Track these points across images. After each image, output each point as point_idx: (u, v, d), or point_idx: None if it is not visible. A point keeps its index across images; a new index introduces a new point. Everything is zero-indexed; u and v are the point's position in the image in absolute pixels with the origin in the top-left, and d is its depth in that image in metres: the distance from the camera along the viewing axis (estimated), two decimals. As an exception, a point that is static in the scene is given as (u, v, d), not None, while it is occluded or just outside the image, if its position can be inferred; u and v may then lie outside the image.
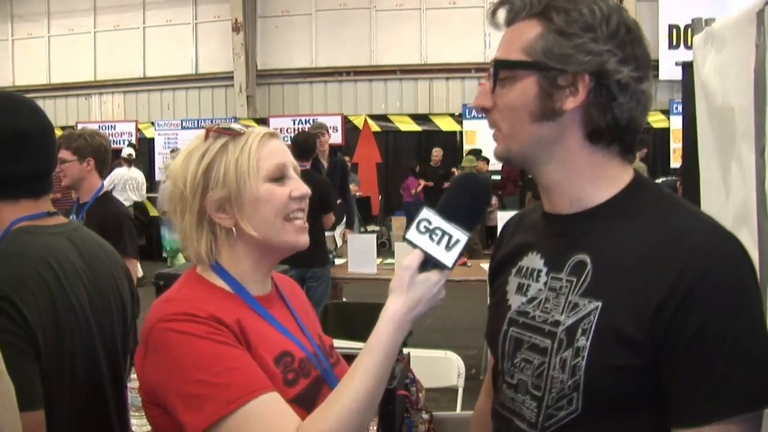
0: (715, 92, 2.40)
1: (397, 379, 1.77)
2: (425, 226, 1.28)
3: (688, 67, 3.09)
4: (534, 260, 1.36)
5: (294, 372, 1.39)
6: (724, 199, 2.43)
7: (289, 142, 6.07)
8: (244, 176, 1.40)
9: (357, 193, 11.94)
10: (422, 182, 13.48)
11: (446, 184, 13.04)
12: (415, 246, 1.28)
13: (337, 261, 6.15)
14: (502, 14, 1.30)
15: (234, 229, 1.42)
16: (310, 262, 5.57)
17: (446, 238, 1.27)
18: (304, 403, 1.35)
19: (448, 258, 1.27)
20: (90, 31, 16.26)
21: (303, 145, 5.92)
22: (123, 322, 1.82)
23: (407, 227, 1.32)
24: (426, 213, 1.29)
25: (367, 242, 5.98)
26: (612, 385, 1.17)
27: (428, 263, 1.29)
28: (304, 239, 1.48)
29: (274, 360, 1.37)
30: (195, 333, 1.28)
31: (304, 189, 1.47)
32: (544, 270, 1.32)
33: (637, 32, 1.24)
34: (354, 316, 4.41)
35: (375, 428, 1.77)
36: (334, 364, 1.54)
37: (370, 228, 13.15)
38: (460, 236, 1.27)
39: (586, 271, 1.24)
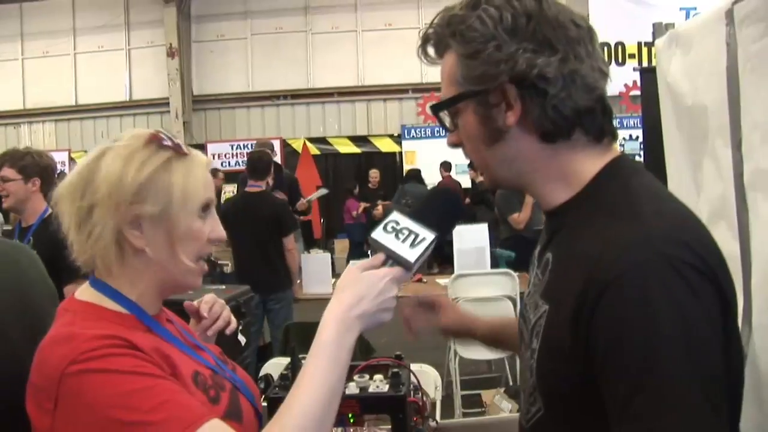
0: (684, 92, 2.44)
1: (406, 386, 1.73)
2: (392, 227, 1.26)
3: (646, 74, 3.14)
4: (536, 252, 1.35)
5: (213, 388, 1.31)
6: (696, 197, 2.46)
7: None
8: (187, 203, 1.31)
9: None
10: (362, 204, 13.48)
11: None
12: (377, 245, 1.25)
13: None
14: (431, 50, 1.29)
15: (146, 249, 1.29)
16: (272, 287, 5.48)
17: (412, 236, 1.25)
18: (235, 416, 1.29)
19: (410, 254, 1.24)
20: (17, 58, 15.85)
21: (257, 162, 5.74)
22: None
23: (372, 230, 1.28)
24: (395, 215, 1.28)
25: (321, 262, 5.91)
26: (559, 389, 1.15)
27: (391, 263, 1.26)
28: (199, 283, 1.38)
29: (192, 381, 1.28)
30: (117, 368, 1.15)
31: (223, 233, 1.38)
32: (536, 264, 1.32)
33: (542, 13, 1.17)
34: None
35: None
36: (234, 370, 1.49)
37: (313, 251, 13.03)
38: (426, 234, 1.25)
39: (547, 272, 1.23)
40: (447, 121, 1.29)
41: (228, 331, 1.64)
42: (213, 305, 1.64)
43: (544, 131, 1.19)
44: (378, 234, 1.26)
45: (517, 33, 1.15)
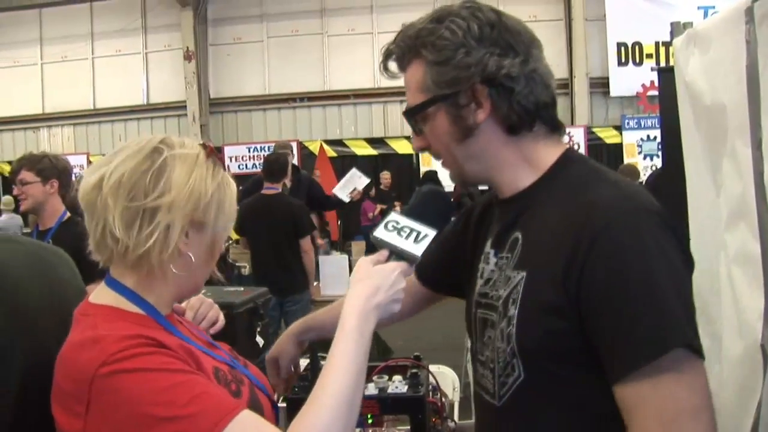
0: (702, 92, 2.43)
1: (424, 387, 1.73)
2: (393, 226, 1.36)
3: (664, 73, 3.12)
4: (487, 245, 1.46)
5: (233, 383, 1.34)
6: (714, 197, 2.45)
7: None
8: (229, 219, 1.37)
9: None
10: (379, 206, 13.47)
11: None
12: (381, 243, 1.35)
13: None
14: (392, 65, 1.40)
15: (190, 255, 1.31)
16: (288, 289, 5.49)
17: (414, 233, 1.35)
18: (256, 408, 1.30)
19: (416, 248, 1.34)
20: (36, 62, 16.01)
21: (273, 164, 5.78)
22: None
23: (374, 229, 1.39)
24: (394, 215, 1.38)
25: (338, 264, 5.91)
26: (541, 348, 1.25)
27: (395, 258, 1.35)
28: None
29: (213, 377, 1.30)
30: (148, 367, 1.16)
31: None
32: (492, 252, 1.44)
33: (502, 22, 1.32)
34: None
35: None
36: (246, 366, 1.51)
37: (331, 254, 13.04)
38: (428, 231, 1.35)
39: (518, 246, 1.35)
40: (414, 126, 1.41)
41: (212, 331, 1.64)
42: (199, 308, 1.66)
43: (510, 124, 1.33)
44: (380, 233, 1.36)
45: (484, 39, 1.30)
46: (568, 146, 1.41)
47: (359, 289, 1.29)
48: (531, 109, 1.32)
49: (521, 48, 1.31)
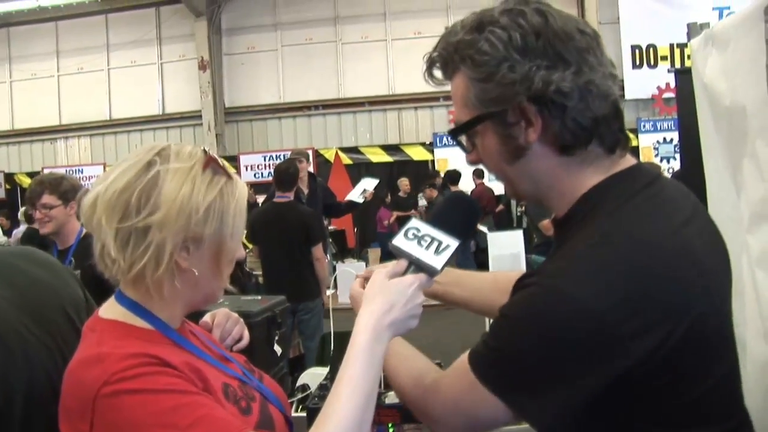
0: (721, 92, 2.40)
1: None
2: (414, 234, 1.27)
3: (682, 75, 3.10)
4: None
5: (243, 399, 1.31)
6: (735, 199, 2.42)
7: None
8: (236, 228, 1.32)
9: (331, 226, 11.87)
10: (395, 213, 13.44)
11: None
12: (400, 252, 1.27)
13: (328, 291, 6.04)
14: (437, 72, 1.29)
15: (194, 271, 1.28)
16: (301, 296, 5.48)
17: (435, 243, 1.26)
18: (268, 425, 1.29)
19: (436, 261, 1.25)
20: (53, 74, 16.23)
21: (284, 174, 5.76)
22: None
23: (393, 236, 1.29)
24: (415, 222, 1.29)
25: (356, 271, 5.88)
26: None
27: (414, 269, 1.27)
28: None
29: (222, 394, 1.27)
30: (151, 388, 1.14)
31: (243, 254, 1.43)
32: None
33: (549, 27, 1.17)
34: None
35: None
36: (261, 379, 1.47)
37: (347, 261, 13.01)
38: (451, 242, 1.27)
39: None
40: (464, 141, 1.31)
41: (236, 348, 1.62)
42: (225, 325, 1.64)
43: (563, 144, 1.20)
44: (400, 241, 1.27)
45: (528, 51, 1.16)
46: (614, 172, 1.25)
47: (372, 306, 1.23)
48: (588, 125, 1.18)
49: (573, 56, 1.16)
